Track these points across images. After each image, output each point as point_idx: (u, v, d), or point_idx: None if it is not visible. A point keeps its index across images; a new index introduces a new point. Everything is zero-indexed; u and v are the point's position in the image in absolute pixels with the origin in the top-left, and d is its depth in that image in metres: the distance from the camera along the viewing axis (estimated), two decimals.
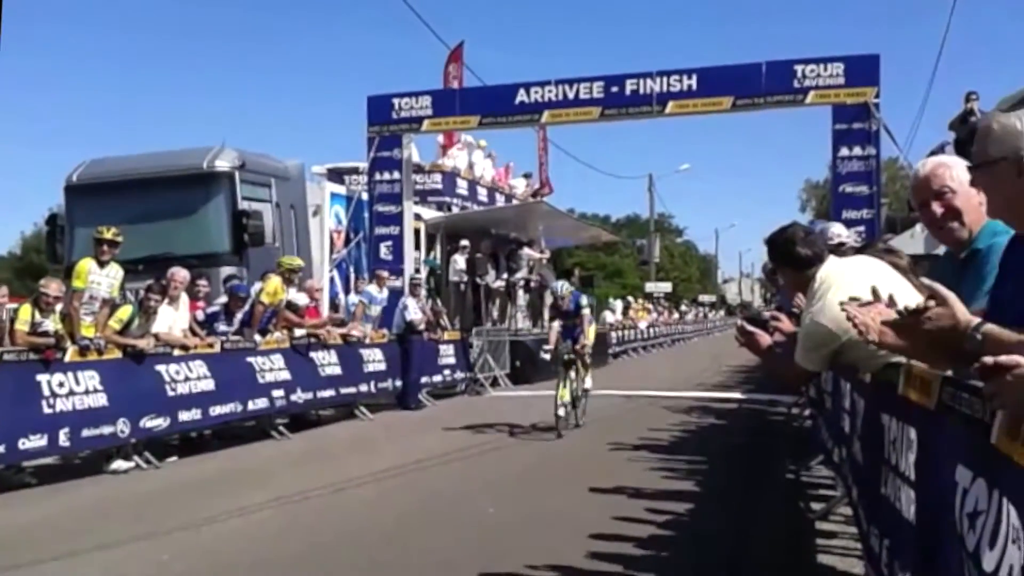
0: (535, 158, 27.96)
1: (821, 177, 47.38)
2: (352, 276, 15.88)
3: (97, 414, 7.91)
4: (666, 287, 49.21)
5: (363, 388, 12.28)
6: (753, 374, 17.29)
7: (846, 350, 3.38)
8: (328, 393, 11.44)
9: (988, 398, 1.59)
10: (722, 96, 14.51)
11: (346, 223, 16.22)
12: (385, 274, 14.20)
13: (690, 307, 58.51)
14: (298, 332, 11.11)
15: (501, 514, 6.38)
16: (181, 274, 9.39)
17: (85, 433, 7.78)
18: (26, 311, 7.90)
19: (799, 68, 14.03)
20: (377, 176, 16.10)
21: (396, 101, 15.97)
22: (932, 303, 2.16)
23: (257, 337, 10.37)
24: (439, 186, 20.54)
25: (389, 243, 16.07)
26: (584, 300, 11.05)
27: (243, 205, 12.87)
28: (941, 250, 3.26)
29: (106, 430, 7.97)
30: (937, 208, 2.79)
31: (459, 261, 18.32)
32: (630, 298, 37.08)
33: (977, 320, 2.04)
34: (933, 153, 10.90)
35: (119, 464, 8.16)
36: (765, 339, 3.88)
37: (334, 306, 14.42)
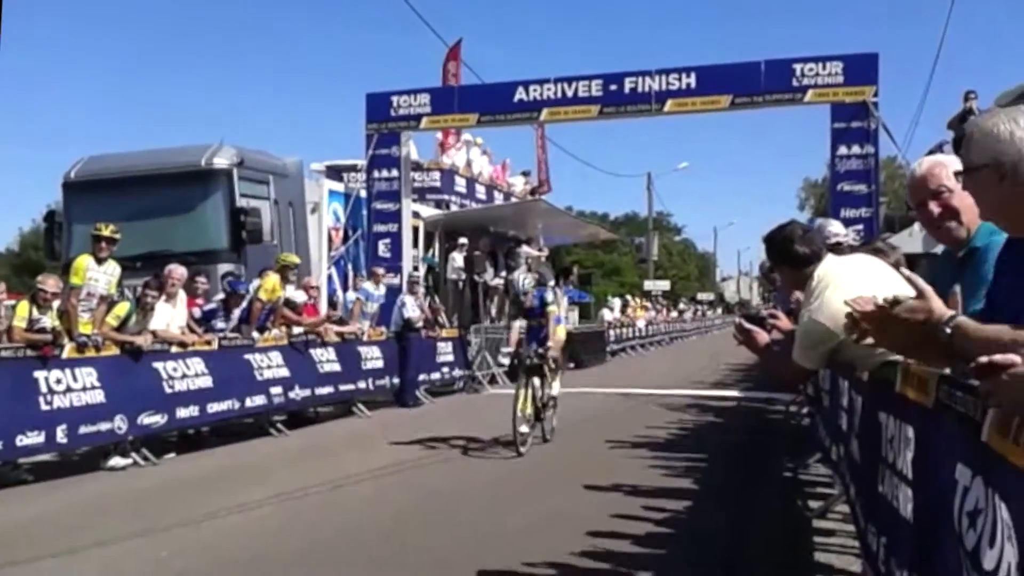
0: (533, 156, 28.01)
1: (820, 175, 47.39)
2: (350, 274, 15.88)
3: (95, 411, 7.91)
4: (664, 285, 49.27)
5: (361, 385, 12.29)
6: (751, 372, 17.31)
7: (844, 348, 3.39)
8: (326, 390, 11.45)
9: (983, 397, 1.59)
10: (721, 94, 14.52)
11: (344, 220, 16.21)
12: (381, 271, 14.21)
13: (688, 305, 58.58)
14: (296, 329, 11.12)
15: (499, 512, 6.39)
16: (179, 271, 9.39)
17: (83, 430, 7.78)
18: (24, 308, 7.90)
19: (798, 67, 14.04)
20: (375, 174, 16.09)
21: (395, 99, 15.96)
22: (902, 296, 2.20)
23: (255, 334, 10.38)
24: (437, 184, 20.55)
25: (387, 241, 16.08)
26: (550, 296, 9.60)
27: (241, 202, 12.86)
28: (939, 249, 3.26)
29: (104, 427, 7.97)
30: (934, 207, 2.79)
31: (457, 259, 18.32)
32: (628, 296, 37.10)
33: (950, 313, 2.07)
34: (931, 152, 10.92)
35: (117, 461, 8.15)
36: (763, 337, 3.89)
37: (332, 304, 14.41)
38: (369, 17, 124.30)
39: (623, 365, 23.48)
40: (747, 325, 3.91)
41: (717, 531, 5.69)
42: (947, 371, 2.11)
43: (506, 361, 9.92)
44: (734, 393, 14.90)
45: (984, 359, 1.53)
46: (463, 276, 18.37)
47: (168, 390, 8.78)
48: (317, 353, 11.36)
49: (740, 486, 7.25)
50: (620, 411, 12.48)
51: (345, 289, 15.32)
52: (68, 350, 7.83)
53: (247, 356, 10.08)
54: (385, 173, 16.08)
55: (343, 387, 11.81)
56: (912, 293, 2.26)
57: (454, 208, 20.58)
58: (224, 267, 12.00)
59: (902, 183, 25.36)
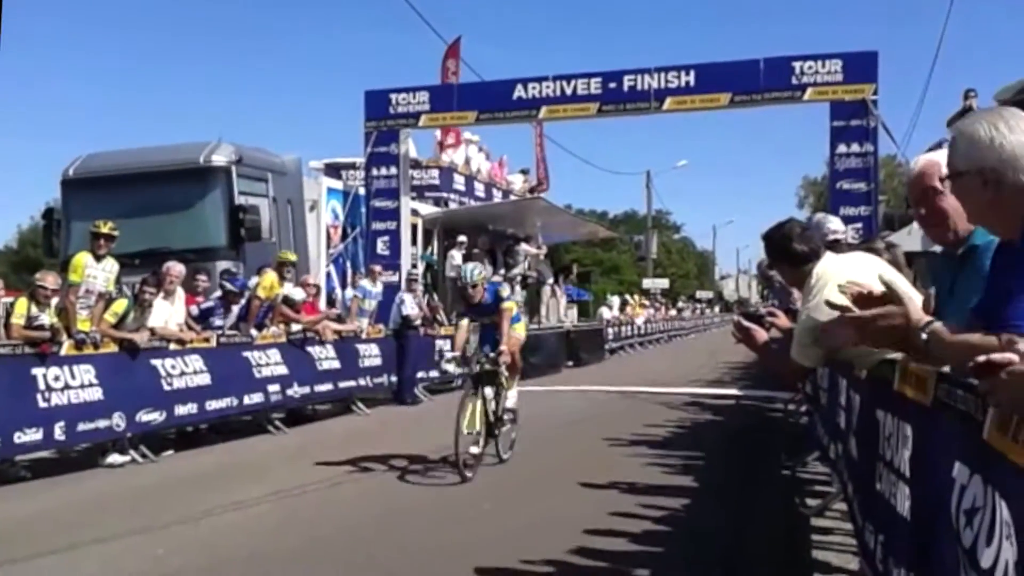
0: (532, 154, 28.00)
1: (819, 174, 47.40)
2: (349, 271, 15.87)
3: (93, 408, 7.90)
4: (663, 283, 49.29)
5: (360, 383, 12.28)
6: (750, 370, 17.32)
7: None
8: (324, 388, 11.44)
9: (982, 396, 1.59)
10: (720, 92, 14.52)
11: (343, 218, 16.21)
12: (378, 268, 14.21)
13: (687, 303, 58.61)
14: (295, 327, 11.11)
15: (498, 510, 6.39)
16: (177, 268, 9.38)
17: (81, 427, 7.78)
18: (22, 305, 7.89)
19: (797, 65, 14.05)
20: (374, 171, 16.08)
21: (393, 96, 15.95)
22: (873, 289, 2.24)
23: (254, 332, 10.38)
24: (436, 181, 20.55)
25: (386, 238, 16.08)
26: (506, 291, 8.30)
27: (240, 200, 12.85)
28: (939, 247, 3.26)
29: (102, 424, 7.97)
30: (922, 209, 2.79)
31: (456, 256, 18.31)
32: (628, 296, 37.11)
33: (927, 320, 2.09)
34: (931, 150, 10.90)
35: (115, 458, 8.15)
36: (762, 335, 3.89)
37: (331, 301, 14.41)
38: (369, 15, 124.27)
39: (622, 363, 23.49)
40: (746, 323, 3.91)
41: (715, 529, 5.69)
42: (946, 369, 2.12)
43: (450, 368, 7.79)
44: (732, 391, 14.90)
45: (982, 358, 1.53)
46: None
47: (166, 387, 8.78)
48: (316, 351, 11.35)
49: (738, 484, 7.25)
50: (618, 409, 12.48)
51: (344, 287, 15.32)
52: (66, 347, 7.82)
53: (245, 354, 10.07)
54: (384, 171, 16.08)
55: (342, 385, 11.80)
56: (913, 294, 2.27)
57: (453, 206, 20.58)
58: (222, 264, 11.98)
59: (901, 181, 25.39)
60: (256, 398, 10.04)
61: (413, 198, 17.64)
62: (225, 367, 9.58)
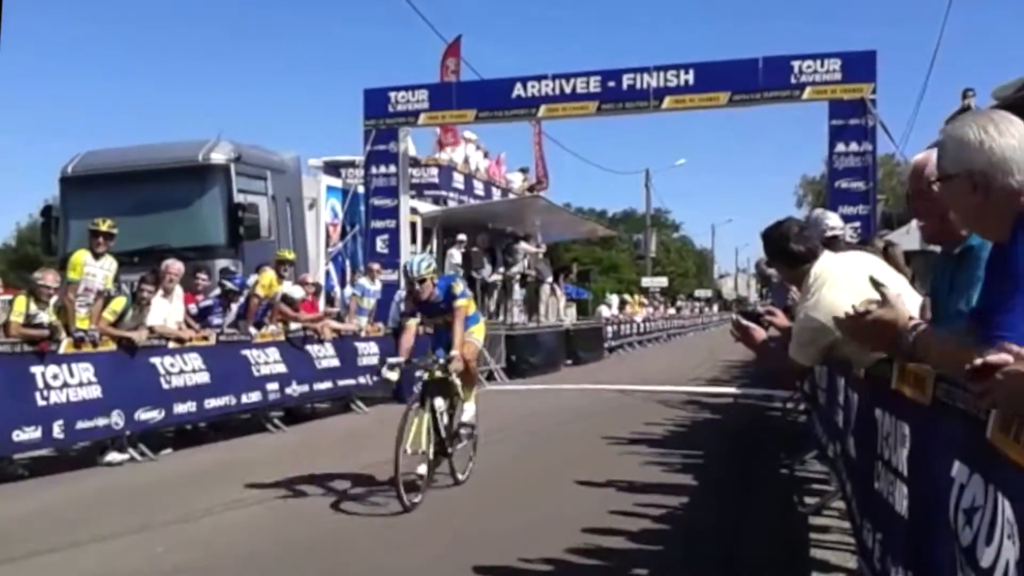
0: (530, 152, 28.00)
1: (817, 173, 47.42)
2: (348, 270, 15.86)
3: (91, 406, 7.90)
4: (662, 282, 49.29)
5: (359, 381, 12.28)
6: (748, 369, 17.32)
7: (840, 345, 3.39)
8: (323, 386, 11.44)
9: (979, 397, 1.60)
10: (719, 91, 14.51)
11: (342, 216, 16.19)
12: (377, 266, 14.19)
13: (686, 302, 58.63)
14: (293, 325, 11.11)
15: (496, 508, 6.40)
16: (176, 266, 9.38)
17: (79, 425, 7.78)
18: (21, 303, 7.88)
19: (796, 64, 14.04)
20: (373, 169, 16.07)
21: (393, 94, 15.94)
22: (873, 306, 2.27)
23: (252, 330, 10.37)
24: (435, 180, 20.55)
25: (385, 237, 16.06)
26: (459, 286, 7.13)
27: (239, 198, 12.83)
28: (937, 246, 3.27)
29: (100, 422, 7.97)
30: (920, 206, 2.80)
31: (455, 255, 18.33)
32: (627, 295, 37.13)
33: (915, 323, 2.11)
34: (930, 148, 10.90)
35: (113, 456, 8.15)
36: (760, 334, 3.90)
37: (330, 300, 14.41)
38: (368, 13, 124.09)
39: (620, 362, 23.50)
40: (744, 322, 3.92)
41: (714, 528, 5.69)
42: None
43: (391, 376, 6.70)
44: (731, 390, 14.91)
45: (978, 361, 1.54)
46: (461, 272, 18.35)
47: (165, 386, 8.77)
48: (314, 349, 11.35)
49: (737, 483, 7.26)
50: (617, 407, 12.49)
51: (343, 285, 15.31)
52: (65, 345, 7.82)
53: (244, 352, 10.07)
54: (383, 169, 16.06)
55: (341, 383, 11.80)
56: (911, 293, 2.29)
57: (452, 204, 20.58)
58: (221, 263, 11.97)
59: (899, 180, 25.38)
60: (255, 396, 10.04)
61: (412, 196, 17.63)
62: (224, 365, 9.57)
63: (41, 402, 7.45)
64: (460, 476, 7.08)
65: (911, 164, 2.95)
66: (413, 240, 17.37)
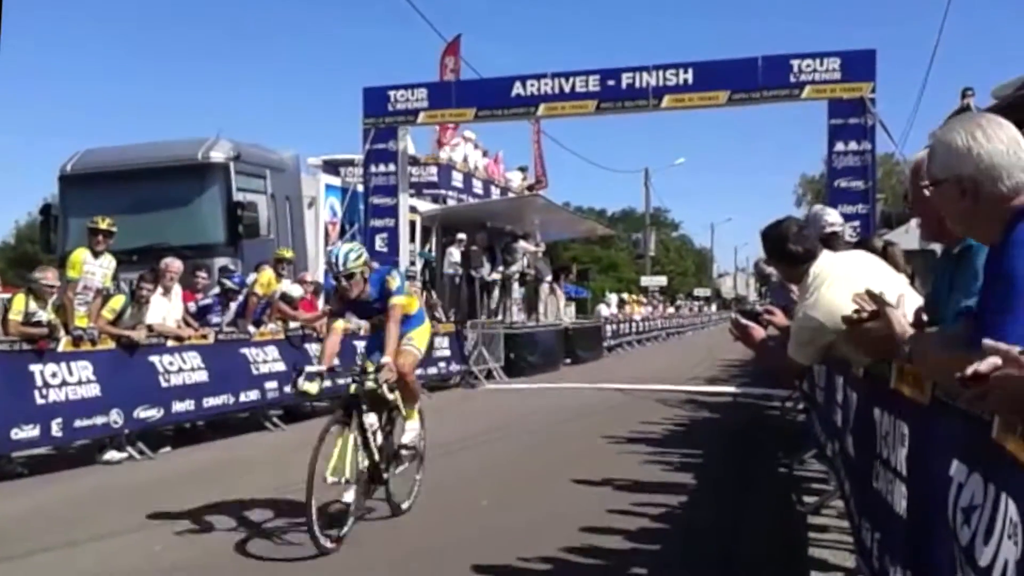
0: (529, 151, 28.00)
1: (817, 172, 47.50)
2: None
3: (90, 404, 7.90)
4: (661, 281, 49.34)
5: None
6: (747, 368, 17.33)
7: (839, 344, 3.39)
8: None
9: (972, 402, 1.60)
10: (718, 90, 14.51)
11: (341, 215, 16.19)
12: (375, 265, 14.17)
13: (685, 301, 58.65)
14: (292, 324, 11.11)
15: (495, 506, 6.40)
16: (175, 264, 9.37)
17: (78, 423, 7.77)
18: (20, 301, 7.87)
19: (795, 63, 14.04)
20: (372, 168, 16.06)
21: (392, 93, 15.93)
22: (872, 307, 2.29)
23: (251, 329, 10.37)
24: (435, 178, 20.55)
25: (384, 235, 16.06)
26: (396, 281, 5.73)
27: (238, 196, 12.84)
28: (936, 246, 3.28)
29: (99, 420, 7.96)
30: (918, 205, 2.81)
31: (454, 254, 18.31)
32: (626, 295, 37.14)
33: (911, 333, 2.12)
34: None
35: (112, 455, 8.15)
36: (759, 333, 3.90)
37: (328, 298, 14.39)
38: (367, 12, 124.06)
39: (619, 361, 23.50)
40: (743, 321, 3.92)
41: (712, 527, 5.70)
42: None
43: (310, 388, 5.61)
44: (730, 389, 14.91)
45: (969, 370, 1.53)
46: (460, 271, 18.37)
47: (164, 384, 8.77)
48: (313, 348, 11.32)
49: (735, 482, 7.26)
50: (616, 406, 12.48)
51: None
52: (64, 344, 7.81)
53: (243, 350, 10.07)
54: (382, 167, 16.06)
55: (340, 381, 11.76)
56: (909, 292, 2.30)
57: (451, 203, 20.58)
58: (221, 261, 11.98)
59: (899, 180, 25.40)
60: (254, 395, 10.04)
61: (411, 195, 17.63)
62: (223, 364, 9.57)
63: (40, 400, 7.45)
64: (404, 505, 5.97)
65: (911, 163, 2.95)
66: (412, 239, 17.37)
